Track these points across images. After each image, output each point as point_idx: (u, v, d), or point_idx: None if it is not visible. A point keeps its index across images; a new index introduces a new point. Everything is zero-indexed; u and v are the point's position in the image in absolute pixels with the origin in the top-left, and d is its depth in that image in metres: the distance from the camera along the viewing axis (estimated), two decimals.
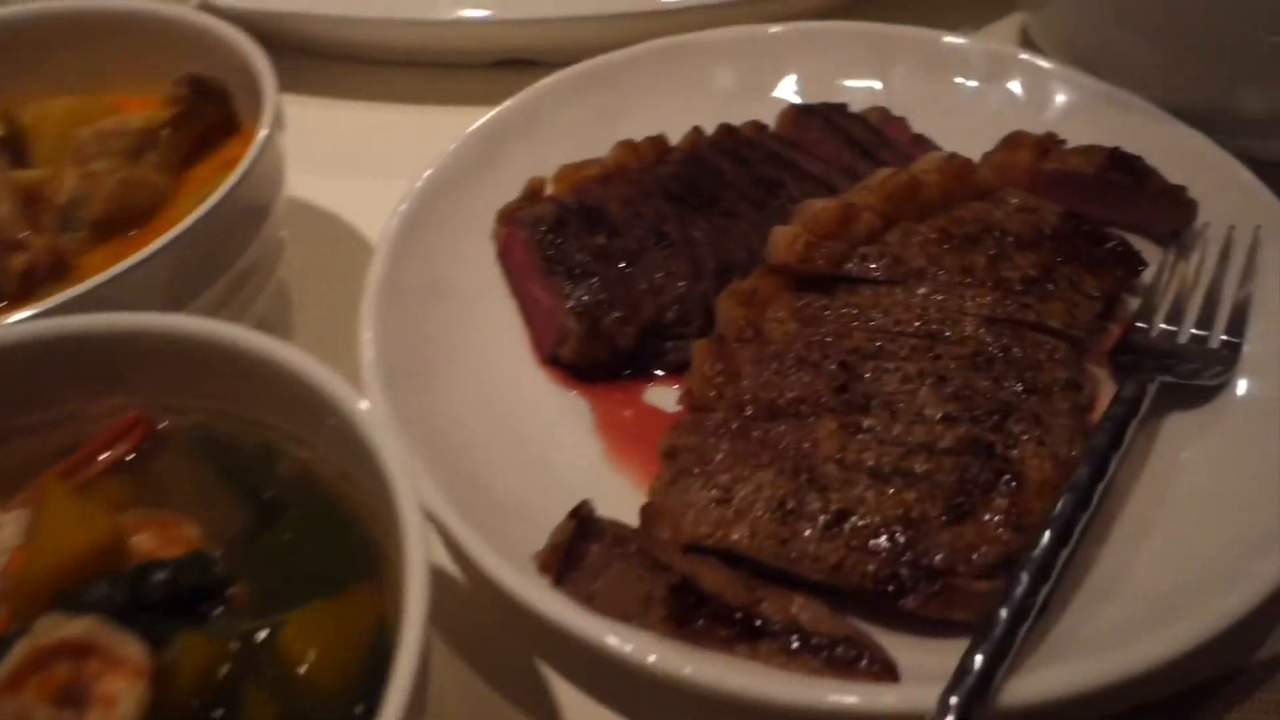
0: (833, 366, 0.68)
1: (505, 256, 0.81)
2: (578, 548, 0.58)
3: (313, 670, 0.50)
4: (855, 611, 0.60)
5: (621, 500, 0.66)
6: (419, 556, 0.47)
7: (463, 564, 0.67)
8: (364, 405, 0.53)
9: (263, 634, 0.51)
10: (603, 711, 0.62)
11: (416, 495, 0.49)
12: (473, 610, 0.67)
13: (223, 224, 0.66)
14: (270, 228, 0.73)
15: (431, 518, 0.62)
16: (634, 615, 0.57)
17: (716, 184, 0.81)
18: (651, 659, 0.54)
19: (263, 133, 0.69)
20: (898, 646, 0.58)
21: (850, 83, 0.93)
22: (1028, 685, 0.53)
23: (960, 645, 0.57)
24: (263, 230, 0.72)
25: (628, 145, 0.85)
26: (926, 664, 0.57)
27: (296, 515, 0.56)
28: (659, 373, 0.76)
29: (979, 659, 0.53)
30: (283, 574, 0.54)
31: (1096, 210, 0.79)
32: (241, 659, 0.51)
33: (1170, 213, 0.79)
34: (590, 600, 0.57)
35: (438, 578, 0.68)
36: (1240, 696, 0.61)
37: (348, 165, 1.00)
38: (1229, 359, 0.71)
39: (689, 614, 0.56)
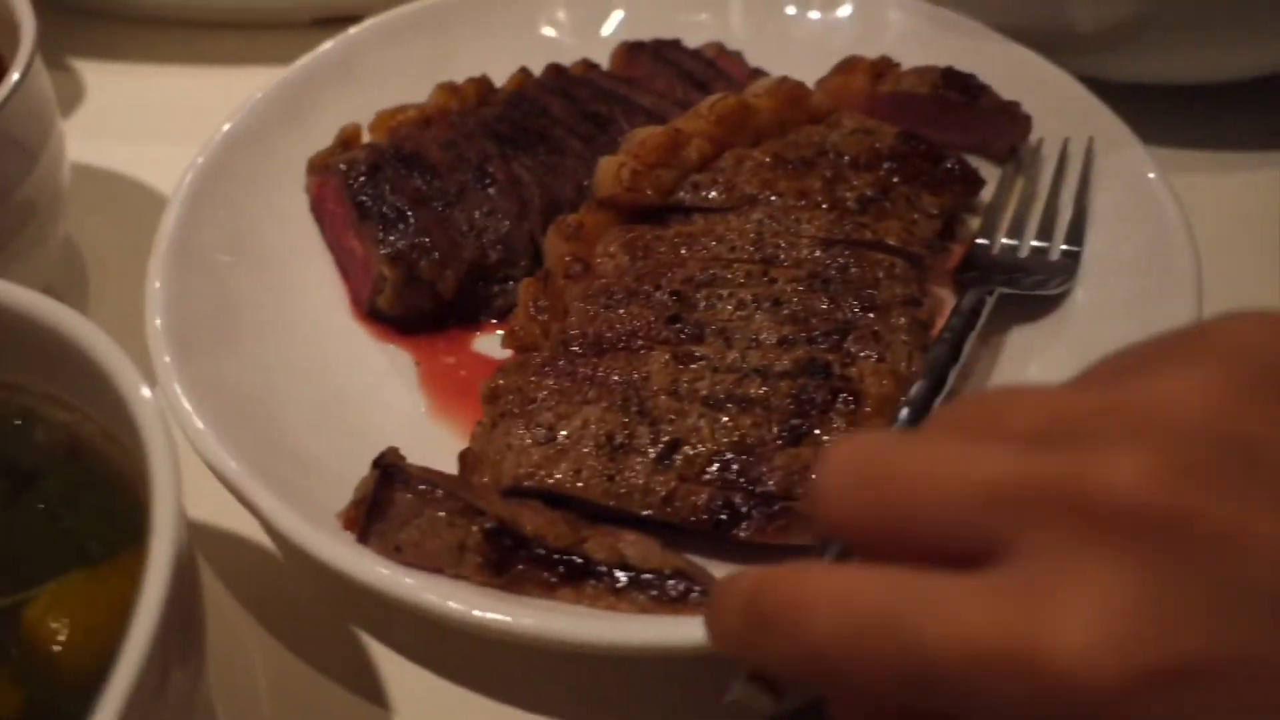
0: (664, 297, 0.64)
1: (317, 208, 0.75)
2: (382, 497, 0.53)
3: (67, 649, 0.44)
4: (699, 550, 0.56)
5: (447, 455, 0.62)
6: (169, 511, 0.41)
7: (271, 533, 0.62)
8: (115, 353, 0.46)
9: (4, 611, 0.45)
10: (427, 676, 0.57)
11: (172, 446, 0.43)
12: (289, 586, 0.62)
13: None
14: (41, 178, 0.66)
15: (227, 484, 0.56)
16: (447, 565, 0.52)
17: (544, 122, 0.77)
18: (454, 606, 0.49)
19: (14, 75, 0.62)
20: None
21: (684, 18, 0.89)
22: None
23: None
24: (31, 178, 0.65)
25: (448, 87, 0.80)
26: None
27: (54, 483, 0.50)
28: (492, 321, 0.72)
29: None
30: (36, 548, 0.48)
31: (934, 131, 0.76)
32: None
33: (1005, 129, 0.77)
34: (397, 553, 0.52)
35: (250, 553, 0.64)
36: None
37: (157, 132, 0.93)
38: (1069, 268, 0.69)
39: (506, 559, 0.52)
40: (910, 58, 0.82)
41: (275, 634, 0.59)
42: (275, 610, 0.60)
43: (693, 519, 0.54)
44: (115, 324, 0.64)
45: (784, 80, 0.75)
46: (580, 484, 0.55)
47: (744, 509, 0.54)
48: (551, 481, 0.55)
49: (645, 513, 0.55)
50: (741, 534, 0.54)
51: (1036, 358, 0.66)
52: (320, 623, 0.60)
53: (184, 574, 0.41)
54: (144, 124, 0.94)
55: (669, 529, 0.56)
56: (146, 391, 0.45)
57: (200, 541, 0.63)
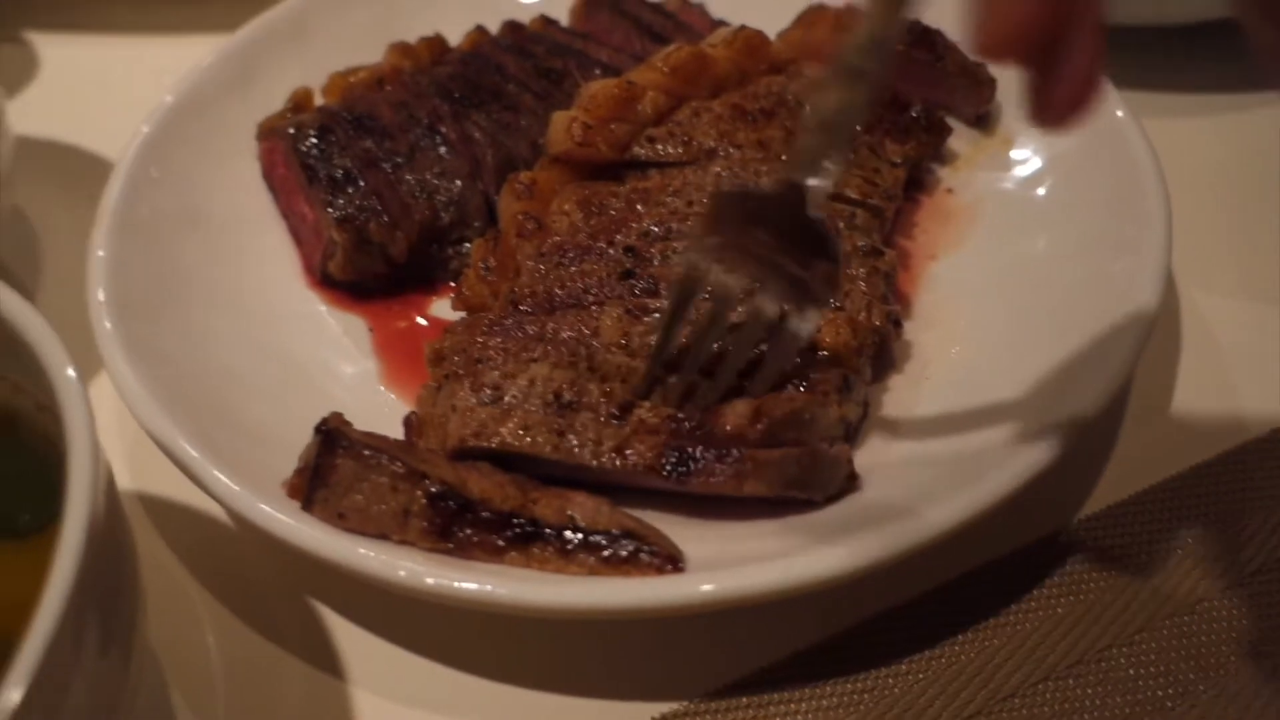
0: (618, 253, 0.63)
1: (268, 174, 0.74)
2: (324, 464, 0.51)
3: None
4: (650, 507, 0.55)
5: (400, 421, 0.61)
6: (83, 496, 0.40)
7: (221, 504, 0.60)
8: (40, 329, 0.45)
9: None
10: (383, 644, 0.56)
11: (91, 427, 0.42)
12: (244, 559, 0.61)
13: None
14: None
15: (165, 451, 0.55)
16: (392, 531, 0.51)
17: (498, 80, 0.75)
18: (401, 574, 0.48)
19: None
20: (696, 540, 0.53)
21: None
22: (842, 555, 0.49)
23: (758, 530, 0.53)
24: None
25: (401, 47, 0.78)
26: (722, 553, 0.52)
27: None
28: (449, 284, 0.70)
29: None
30: None
31: (900, 87, 0.74)
32: None
33: (971, 91, 0.75)
34: (341, 519, 0.51)
35: (206, 527, 0.62)
36: (1064, 555, 0.58)
37: (114, 102, 0.91)
38: None
39: (451, 523, 0.50)
40: None
41: (230, 607, 0.58)
42: (230, 583, 0.59)
43: (644, 469, 0.53)
44: (69, 295, 0.63)
45: (741, 29, 0.73)
46: (528, 440, 0.54)
47: (698, 460, 0.53)
48: (496, 440, 0.54)
49: (595, 462, 0.53)
50: (694, 485, 0.52)
51: (998, 300, 0.65)
52: (275, 594, 0.58)
53: (101, 555, 0.40)
54: (99, 94, 0.92)
55: (623, 491, 0.54)
56: (70, 370, 0.44)
57: (155, 516, 0.62)
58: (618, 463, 0.53)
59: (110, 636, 0.40)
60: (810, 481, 0.53)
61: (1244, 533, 0.58)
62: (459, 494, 0.51)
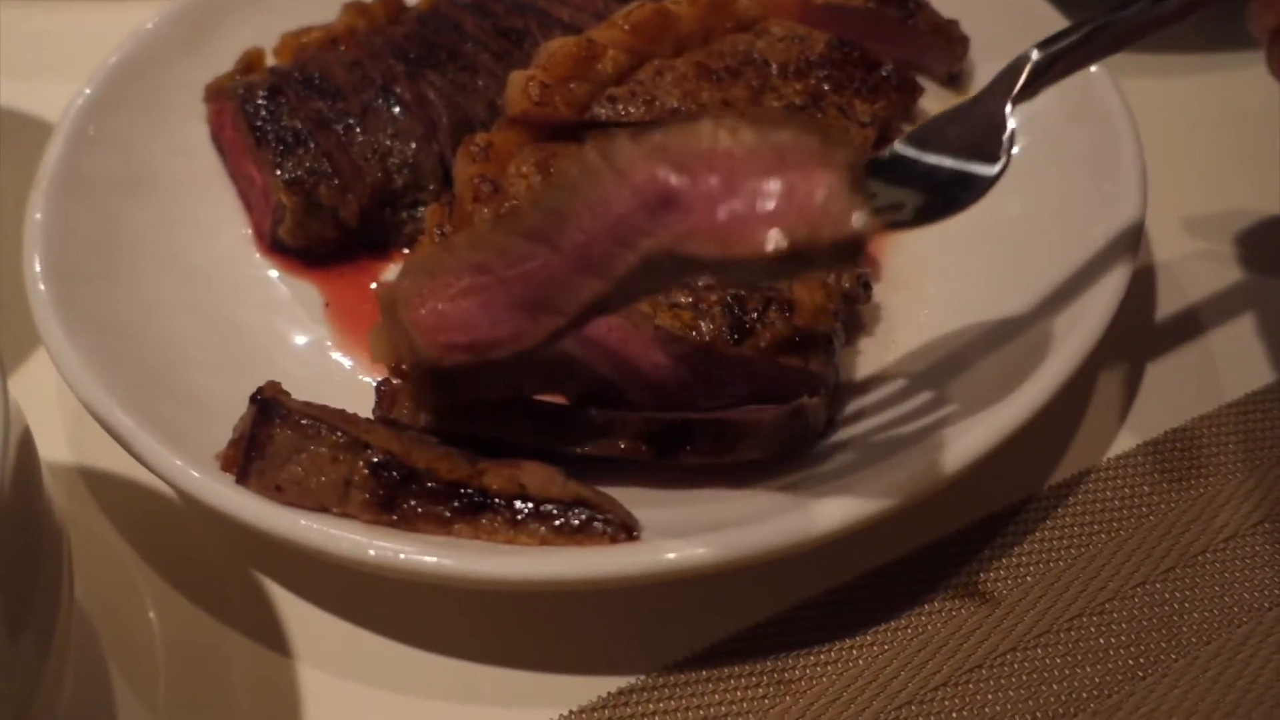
0: None
1: (217, 137, 0.71)
2: (260, 434, 0.49)
3: None
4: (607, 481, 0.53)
5: (350, 389, 0.59)
6: None
7: (159, 476, 0.58)
8: None
9: None
10: (331, 620, 0.54)
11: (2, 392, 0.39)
12: (189, 533, 0.58)
13: None
14: None
15: (98, 419, 0.53)
16: (333, 503, 0.49)
17: (455, 39, 0.72)
18: (344, 546, 0.46)
19: None
20: (651, 507, 0.51)
21: None
22: (803, 522, 0.47)
23: (716, 496, 0.52)
24: None
25: (356, 7, 0.75)
26: (679, 521, 0.50)
27: None
28: (403, 250, 0.68)
29: None
30: None
31: (870, 46, 0.72)
32: None
33: (943, 49, 0.73)
34: (278, 493, 0.49)
35: (147, 500, 0.60)
36: (1033, 522, 0.56)
37: (62, 67, 0.87)
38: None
39: (395, 494, 0.48)
40: None
41: (174, 583, 0.56)
42: (174, 558, 0.57)
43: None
44: (13, 262, 0.61)
45: None
46: None
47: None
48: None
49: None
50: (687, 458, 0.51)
51: (968, 263, 0.63)
52: (220, 569, 0.56)
53: (8, 534, 0.37)
54: (48, 58, 0.89)
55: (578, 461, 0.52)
56: None
57: (96, 490, 0.60)
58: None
59: (21, 621, 0.38)
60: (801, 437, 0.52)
61: (1217, 498, 0.57)
62: (403, 463, 0.49)
